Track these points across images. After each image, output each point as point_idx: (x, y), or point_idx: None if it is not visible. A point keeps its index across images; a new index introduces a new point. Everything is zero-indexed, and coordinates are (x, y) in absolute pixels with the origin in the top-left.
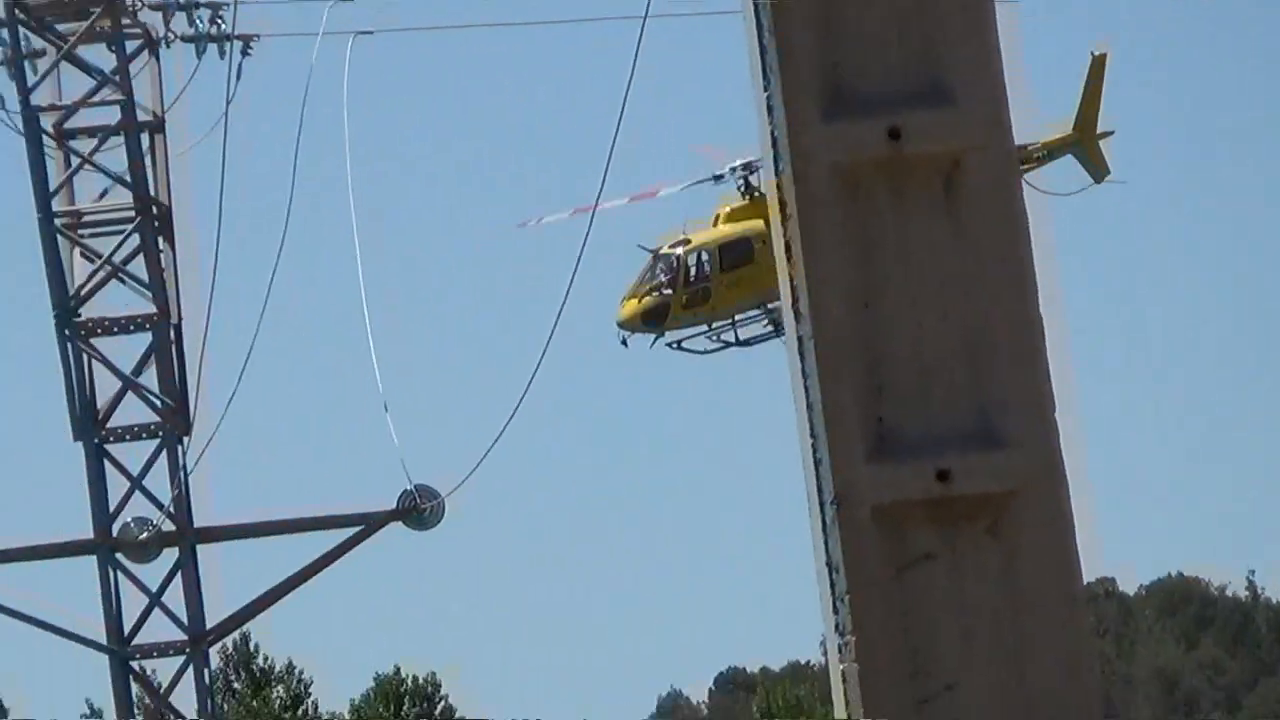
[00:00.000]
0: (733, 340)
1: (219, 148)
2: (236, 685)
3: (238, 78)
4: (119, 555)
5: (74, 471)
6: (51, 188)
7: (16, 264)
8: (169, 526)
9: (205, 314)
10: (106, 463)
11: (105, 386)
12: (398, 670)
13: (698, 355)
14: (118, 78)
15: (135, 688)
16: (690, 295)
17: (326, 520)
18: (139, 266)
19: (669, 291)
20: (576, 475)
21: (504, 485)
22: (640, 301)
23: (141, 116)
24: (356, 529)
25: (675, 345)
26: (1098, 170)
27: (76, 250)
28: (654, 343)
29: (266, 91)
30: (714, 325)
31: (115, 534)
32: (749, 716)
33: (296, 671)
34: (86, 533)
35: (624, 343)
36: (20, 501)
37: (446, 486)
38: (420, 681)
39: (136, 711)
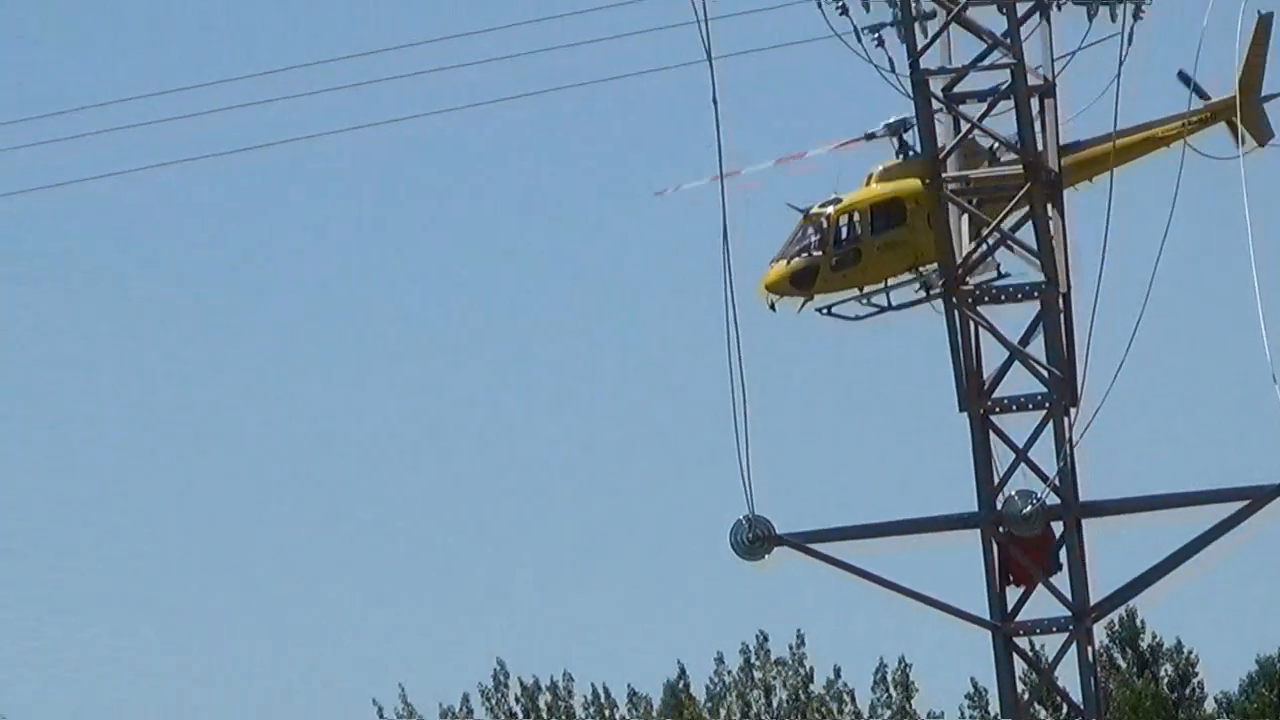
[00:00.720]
0: (885, 305)
1: (1107, 113)
2: (1121, 663)
3: (1129, 42)
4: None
5: (960, 443)
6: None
7: None
8: (1053, 500)
9: (1094, 283)
10: (992, 434)
11: (992, 356)
12: None
13: (849, 321)
14: (1008, 40)
15: (1019, 665)
16: (840, 257)
17: (1210, 495)
18: (1026, 234)
19: (818, 253)
20: None
21: None
22: (789, 264)
23: (1031, 81)
24: (1241, 504)
25: (825, 310)
26: (1262, 134)
27: (965, 217)
28: (802, 307)
29: (1156, 55)
30: (865, 289)
31: (999, 507)
32: None
33: (1185, 651)
34: (970, 506)
35: (771, 306)
36: (905, 474)
37: None
38: None
39: (1021, 688)
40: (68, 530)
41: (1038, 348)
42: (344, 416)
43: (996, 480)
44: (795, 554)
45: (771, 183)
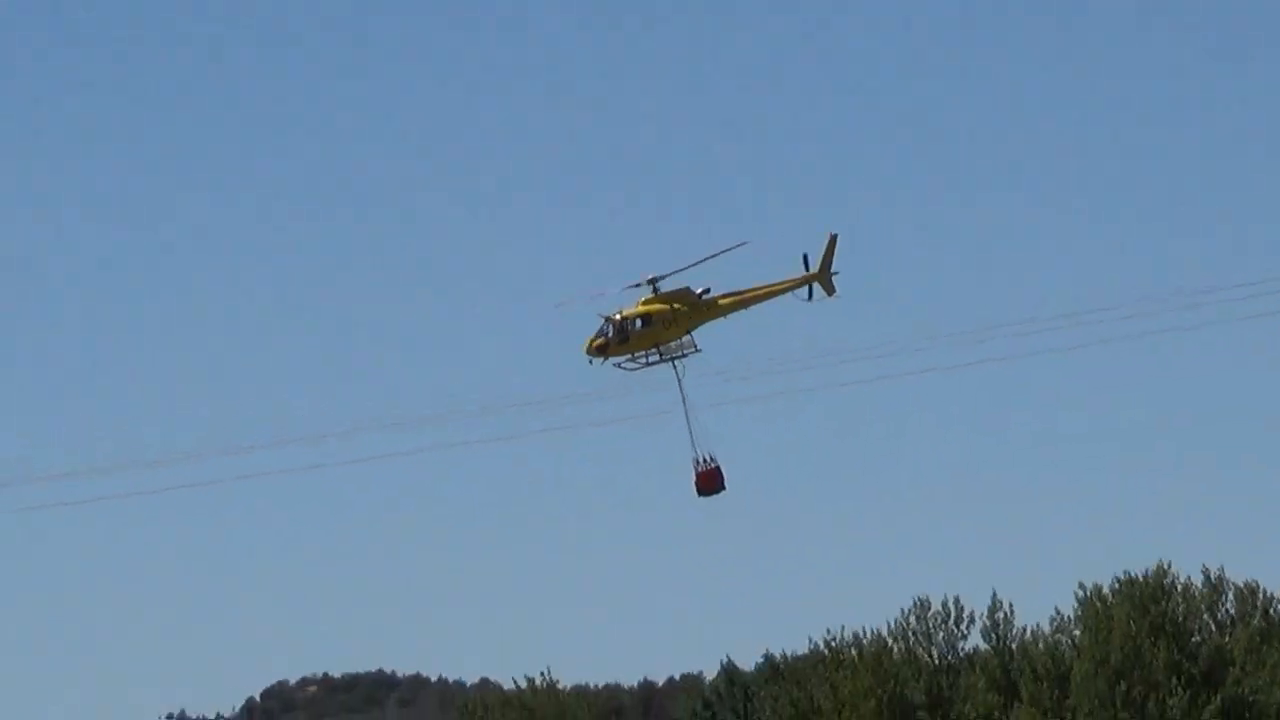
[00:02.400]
0: (646, 363)
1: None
2: None
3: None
4: None
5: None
6: None
7: None
8: None
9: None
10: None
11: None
12: None
13: (629, 370)
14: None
15: None
16: (619, 340)
17: None
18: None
19: (609, 337)
20: None
21: None
22: (593, 343)
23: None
24: None
25: (617, 365)
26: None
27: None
28: (602, 363)
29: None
30: (633, 356)
31: None
32: None
33: None
34: None
35: (590, 361)
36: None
37: None
38: None
39: None
40: None
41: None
42: None
43: None
44: None
45: (594, 303)
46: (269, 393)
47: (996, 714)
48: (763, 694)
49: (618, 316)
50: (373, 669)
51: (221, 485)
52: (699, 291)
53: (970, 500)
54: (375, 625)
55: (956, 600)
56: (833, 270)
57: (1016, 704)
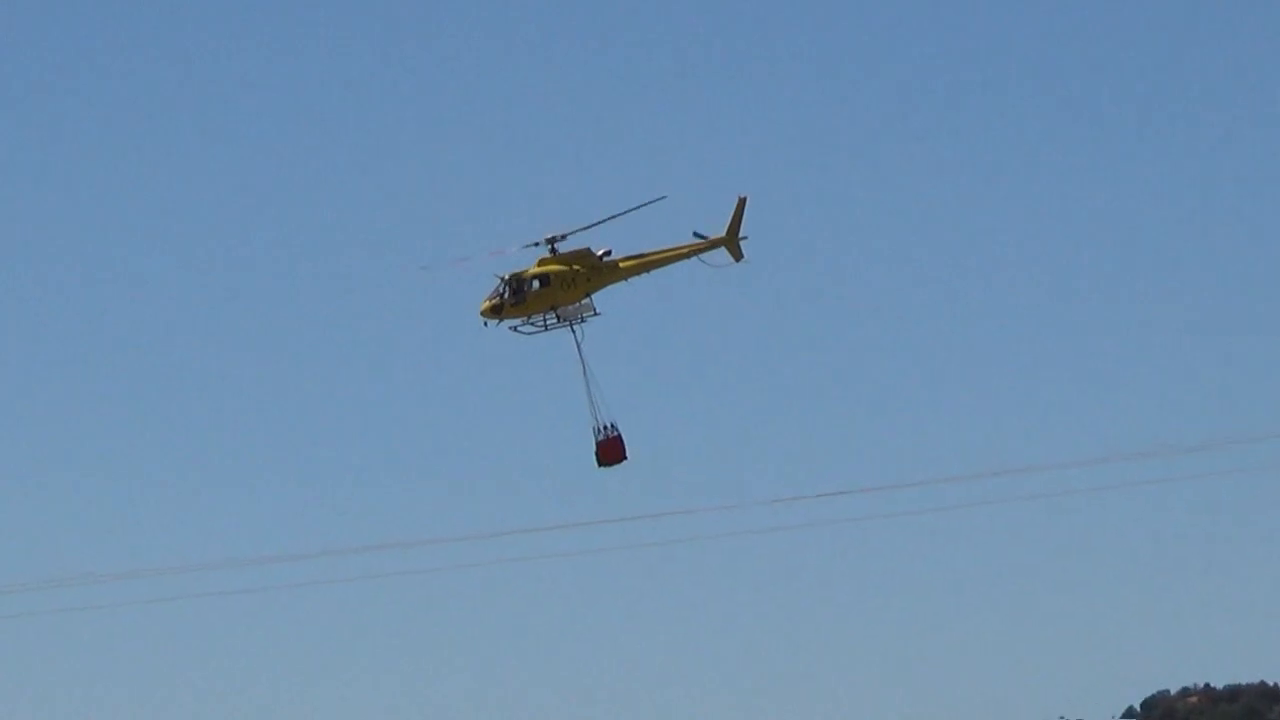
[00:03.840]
0: (544, 327)
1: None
2: None
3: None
4: None
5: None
6: None
7: None
8: None
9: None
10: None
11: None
12: None
13: (526, 335)
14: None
15: None
16: (515, 302)
17: None
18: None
19: (504, 298)
20: None
21: None
22: (489, 302)
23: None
24: None
25: (513, 329)
26: (739, 256)
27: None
28: (497, 325)
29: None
30: (529, 319)
31: None
32: None
33: None
34: None
35: (485, 323)
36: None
37: None
38: None
39: None
40: None
41: None
42: None
43: None
44: None
45: (491, 263)
46: None
47: None
48: None
49: (515, 276)
50: (1254, 680)
51: None
52: (599, 253)
53: None
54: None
55: None
56: (741, 235)
57: None
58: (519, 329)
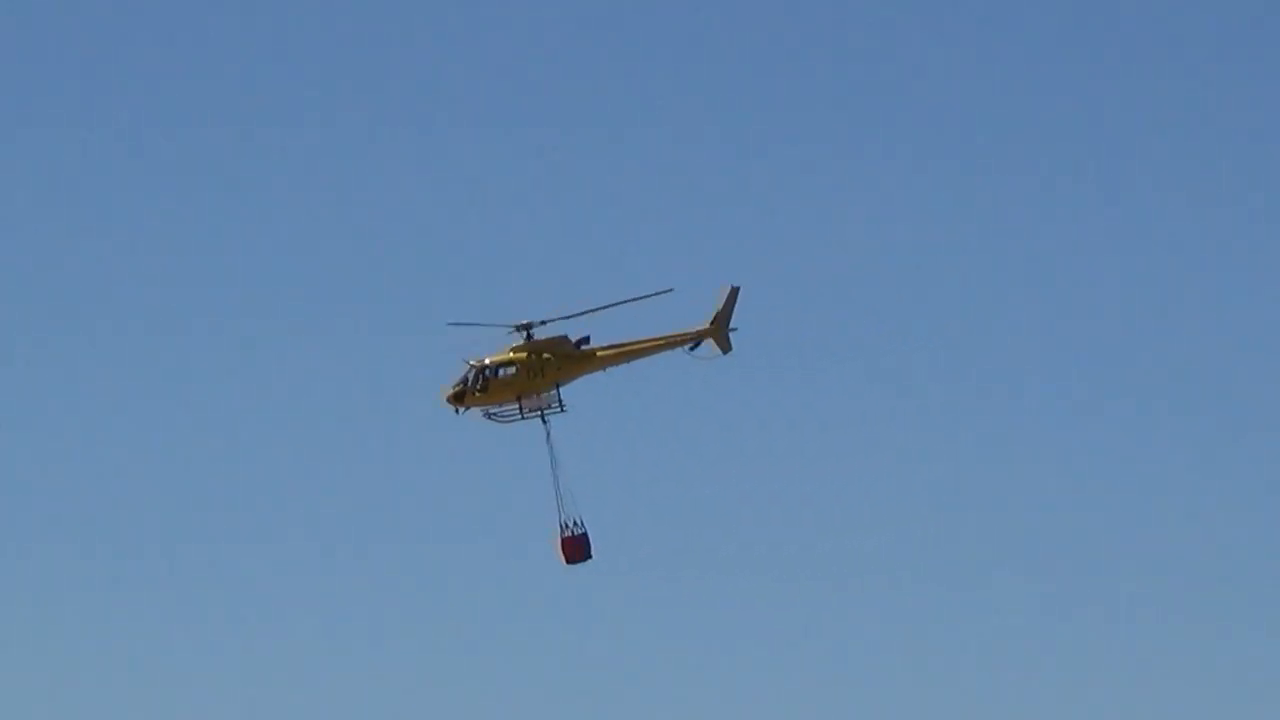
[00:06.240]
0: (519, 415)
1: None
2: None
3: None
4: None
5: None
6: None
7: None
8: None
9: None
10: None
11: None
12: None
13: (502, 423)
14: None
15: None
16: (480, 389)
17: None
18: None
19: (469, 384)
20: None
21: None
22: (453, 389)
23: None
24: None
25: (487, 416)
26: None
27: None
28: (464, 412)
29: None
30: (491, 411)
31: None
32: None
33: None
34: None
35: (457, 413)
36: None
37: None
38: None
39: None
40: None
41: None
42: None
43: None
44: None
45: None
46: None
47: None
48: None
49: (482, 363)
50: None
51: None
52: (576, 340)
53: None
54: None
55: None
56: (731, 326)
57: None
58: (492, 416)
